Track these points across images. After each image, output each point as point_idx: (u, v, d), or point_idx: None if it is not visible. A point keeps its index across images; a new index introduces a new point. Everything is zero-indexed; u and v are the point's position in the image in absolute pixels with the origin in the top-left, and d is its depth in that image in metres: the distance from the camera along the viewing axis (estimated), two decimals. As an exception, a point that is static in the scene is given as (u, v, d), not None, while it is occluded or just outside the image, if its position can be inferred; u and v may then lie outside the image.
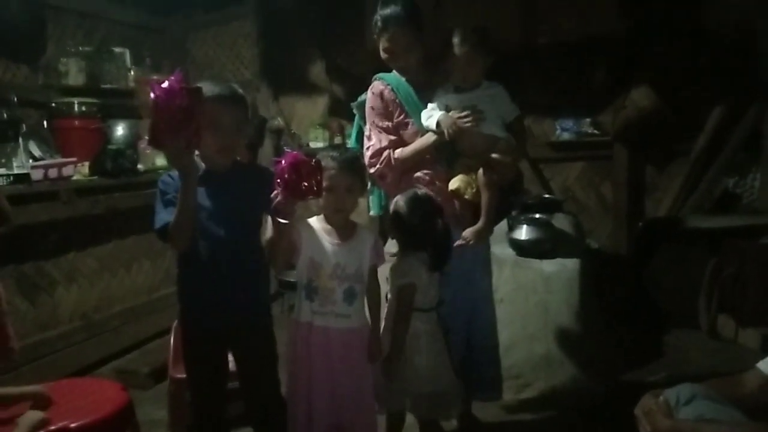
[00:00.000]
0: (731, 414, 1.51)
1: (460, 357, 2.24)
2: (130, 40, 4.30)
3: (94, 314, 3.36)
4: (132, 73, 4.09)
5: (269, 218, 1.90)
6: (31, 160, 3.15)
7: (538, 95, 4.28)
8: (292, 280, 1.99)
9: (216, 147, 1.84)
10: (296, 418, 1.97)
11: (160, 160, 3.69)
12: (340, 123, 4.71)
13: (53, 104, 3.57)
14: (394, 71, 2.38)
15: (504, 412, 2.76)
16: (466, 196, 2.21)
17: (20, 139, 3.15)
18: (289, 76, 4.84)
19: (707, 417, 1.49)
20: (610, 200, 4.47)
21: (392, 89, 2.34)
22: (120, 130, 3.72)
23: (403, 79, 2.36)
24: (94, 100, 3.68)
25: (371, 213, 2.63)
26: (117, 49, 4.08)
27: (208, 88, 1.74)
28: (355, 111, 2.58)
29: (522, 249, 3.26)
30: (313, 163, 1.76)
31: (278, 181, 1.73)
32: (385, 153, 2.31)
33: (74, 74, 3.71)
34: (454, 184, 2.23)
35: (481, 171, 2.22)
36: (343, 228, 1.96)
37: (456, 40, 2.21)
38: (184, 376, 2.31)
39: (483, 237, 2.30)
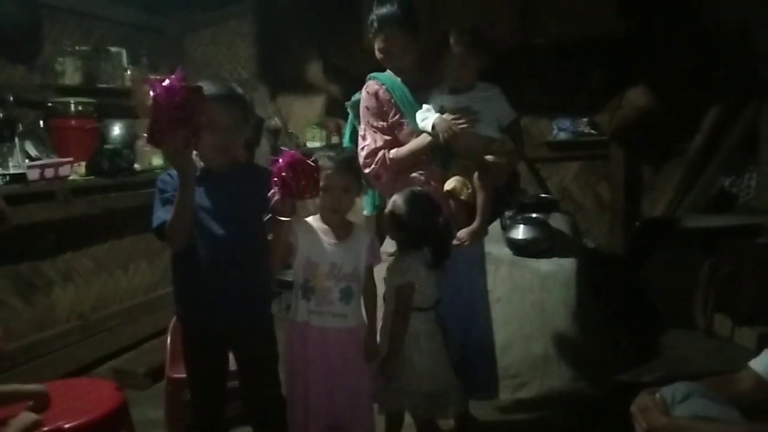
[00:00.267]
0: (726, 412, 1.51)
1: (457, 357, 2.24)
2: (127, 39, 4.29)
3: (91, 314, 3.35)
4: (129, 72, 4.07)
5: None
6: (27, 160, 3.13)
7: (535, 95, 4.28)
8: (289, 279, 1.99)
9: (213, 146, 1.84)
10: (294, 418, 1.97)
11: (157, 160, 3.68)
12: (337, 123, 4.72)
13: (50, 104, 3.55)
14: (388, 71, 2.38)
15: (501, 412, 2.77)
16: (462, 197, 2.21)
17: (16, 139, 3.13)
18: (287, 75, 4.84)
19: (702, 415, 1.50)
20: (606, 200, 4.48)
21: (387, 89, 2.33)
22: (117, 129, 3.71)
23: (398, 79, 2.35)
24: (91, 100, 3.67)
25: (365, 213, 2.63)
26: (114, 49, 4.06)
27: (206, 87, 1.74)
28: (349, 110, 2.57)
29: (519, 248, 3.27)
30: (310, 163, 1.77)
31: (275, 180, 1.74)
32: (380, 153, 2.31)
33: (71, 74, 3.70)
34: (450, 184, 2.23)
35: (476, 173, 2.23)
36: (340, 228, 1.96)
37: (450, 40, 2.21)
38: (181, 375, 2.31)
39: (478, 237, 2.30)
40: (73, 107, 3.56)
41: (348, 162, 1.96)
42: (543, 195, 4.25)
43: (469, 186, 2.23)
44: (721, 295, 3.54)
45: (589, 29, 3.75)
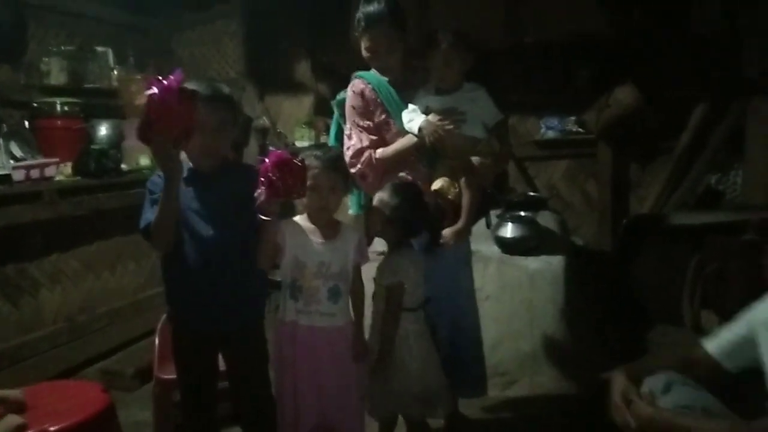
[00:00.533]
0: (708, 400, 1.52)
1: (445, 355, 2.25)
2: (114, 39, 4.26)
3: (79, 316, 3.33)
4: (115, 72, 4.05)
5: None
6: (12, 161, 3.11)
7: (523, 94, 4.31)
8: (278, 279, 1.99)
9: (200, 147, 1.84)
10: (283, 418, 1.97)
11: (144, 160, 3.66)
12: (326, 122, 4.70)
13: (35, 104, 3.53)
14: (374, 70, 2.38)
15: (490, 410, 2.78)
16: (449, 197, 2.21)
17: (1, 140, 3.11)
18: (275, 75, 4.83)
19: (685, 404, 1.50)
20: (594, 198, 4.51)
21: (373, 88, 2.33)
22: (103, 130, 3.68)
23: (384, 78, 2.35)
24: (77, 100, 3.64)
25: (350, 212, 2.62)
26: (100, 49, 4.04)
27: (192, 87, 1.74)
28: (334, 109, 2.56)
29: (507, 246, 3.28)
30: (297, 163, 1.77)
31: (262, 179, 1.74)
32: (366, 153, 2.30)
33: (56, 74, 3.67)
34: (437, 184, 2.23)
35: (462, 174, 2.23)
36: (327, 227, 1.95)
37: (435, 40, 2.21)
38: (170, 376, 2.31)
39: (462, 237, 2.31)
40: (58, 107, 3.54)
41: (335, 161, 1.95)
42: (531, 193, 4.27)
43: (456, 186, 2.23)
44: (708, 292, 3.56)
45: (576, 28, 3.76)
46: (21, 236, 2.99)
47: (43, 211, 3.00)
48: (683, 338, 3.35)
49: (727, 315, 3.45)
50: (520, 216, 3.41)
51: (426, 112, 2.22)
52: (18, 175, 2.94)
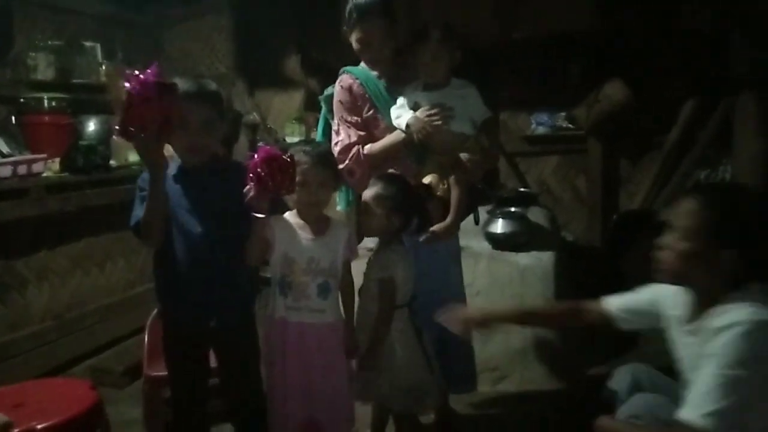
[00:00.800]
0: (669, 408, 1.58)
1: (434, 352, 2.25)
2: (102, 33, 4.22)
3: (67, 313, 3.31)
4: (103, 67, 4.02)
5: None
6: (-1, 157, 3.08)
7: (514, 89, 4.31)
8: (267, 275, 1.99)
9: (186, 145, 1.84)
10: (273, 414, 1.97)
11: (133, 156, 3.63)
12: (316, 117, 4.59)
13: (22, 99, 3.49)
14: (362, 64, 2.37)
15: (481, 405, 2.79)
16: (438, 193, 2.21)
17: (-12, 136, 3.09)
18: (265, 70, 4.80)
19: (636, 413, 1.65)
20: (584, 193, 4.53)
21: (361, 83, 2.31)
22: (91, 125, 3.66)
23: (373, 73, 2.34)
24: (65, 95, 3.61)
25: (338, 208, 2.61)
26: (88, 43, 4.01)
27: (176, 83, 1.73)
28: (322, 104, 2.55)
29: (497, 242, 3.29)
30: (286, 158, 1.76)
31: (251, 175, 1.73)
32: (354, 149, 2.29)
33: (43, 69, 3.63)
34: (426, 180, 2.23)
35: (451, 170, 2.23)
36: (317, 223, 1.95)
37: (423, 35, 2.20)
38: (160, 374, 2.30)
39: (450, 233, 2.30)
40: (46, 103, 3.51)
41: (324, 156, 1.95)
42: (521, 189, 4.28)
43: (445, 182, 2.23)
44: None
45: (566, 24, 3.77)
46: (8, 233, 2.96)
47: (30, 208, 2.98)
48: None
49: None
50: (511, 212, 3.42)
51: (414, 108, 2.21)
52: (5, 172, 2.91)
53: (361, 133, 2.31)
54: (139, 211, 1.82)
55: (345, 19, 2.29)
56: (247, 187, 1.75)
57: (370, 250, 2.21)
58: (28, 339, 3.05)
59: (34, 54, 3.62)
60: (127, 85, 1.57)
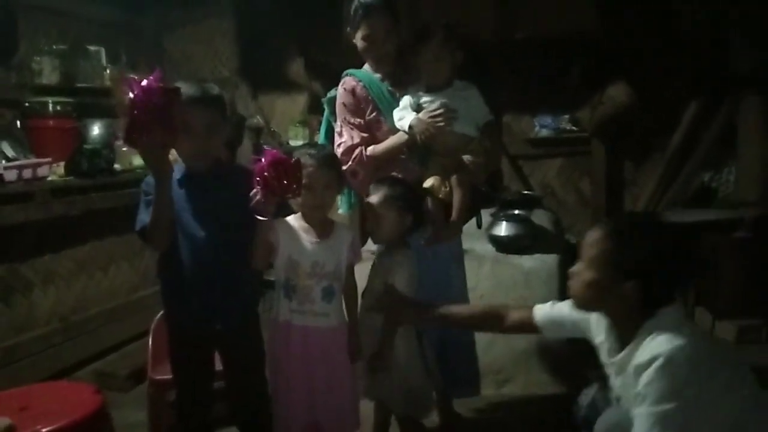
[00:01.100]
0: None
1: (435, 355, 2.25)
2: (106, 38, 4.24)
3: (72, 316, 3.31)
4: (108, 71, 4.03)
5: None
6: (4, 161, 3.09)
7: (516, 92, 4.31)
8: (272, 279, 1.99)
9: (190, 150, 1.84)
10: (277, 417, 1.97)
11: (137, 160, 3.64)
12: (319, 120, 4.63)
13: (27, 104, 3.50)
14: (365, 67, 2.37)
15: (485, 408, 2.78)
16: (440, 195, 2.21)
17: (-7, 140, 3.10)
18: (268, 73, 4.81)
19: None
20: (588, 196, 4.52)
21: (364, 86, 2.32)
22: (96, 129, 3.67)
23: (375, 75, 2.35)
24: (69, 99, 3.62)
25: (340, 211, 2.61)
26: (92, 47, 4.02)
27: (182, 90, 1.73)
28: (324, 106, 2.55)
29: (502, 245, 3.28)
30: (292, 162, 1.77)
31: (257, 179, 1.73)
32: (357, 150, 2.29)
33: (48, 73, 3.65)
34: (428, 183, 2.22)
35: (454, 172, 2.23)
36: (321, 226, 1.95)
37: (425, 36, 2.21)
38: (164, 377, 2.30)
39: (452, 235, 2.30)
40: (51, 107, 3.51)
41: (329, 159, 1.96)
42: (525, 192, 4.28)
43: (447, 184, 2.23)
44: (701, 289, 3.58)
45: (568, 25, 3.77)
46: (13, 237, 2.97)
47: (35, 212, 2.98)
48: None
49: (719, 312, 3.49)
50: (515, 214, 3.41)
51: (417, 109, 2.22)
52: (10, 176, 2.92)
53: (364, 134, 2.32)
54: (144, 216, 1.82)
55: (349, 19, 2.30)
56: (254, 190, 1.75)
57: (373, 253, 2.21)
58: (33, 342, 3.06)
59: (38, 58, 3.64)
60: (130, 92, 1.57)
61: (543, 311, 1.92)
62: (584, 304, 1.69)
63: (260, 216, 1.79)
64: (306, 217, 1.95)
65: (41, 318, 3.16)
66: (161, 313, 2.22)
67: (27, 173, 3.00)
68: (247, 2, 4.68)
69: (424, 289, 2.15)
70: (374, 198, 2.06)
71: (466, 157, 2.26)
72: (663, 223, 2.06)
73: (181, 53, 4.92)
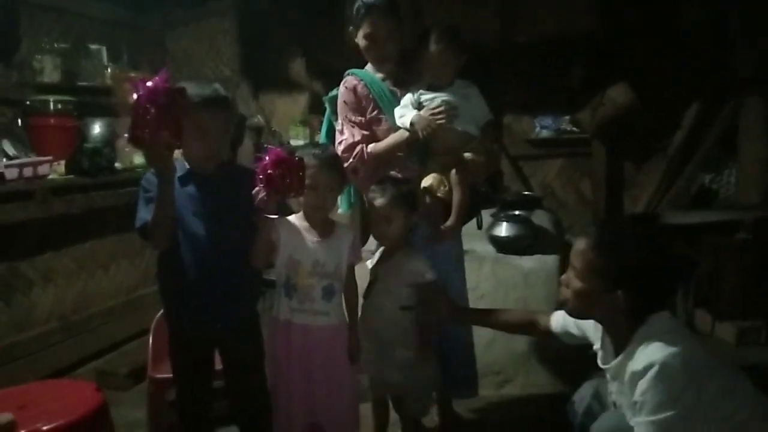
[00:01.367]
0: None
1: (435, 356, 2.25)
2: (107, 36, 4.23)
3: (72, 315, 3.31)
4: (109, 70, 4.03)
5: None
6: (5, 159, 3.09)
7: (517, 93, 4.31)
8: (272, 278, 1.99)
9: (203, 153, 1.85)
10: (277, 416, 1.97)
11: (138, 159, 3.64)
12: (320, 120, 4.64)
13: (28, 102, 3.50)
14: (367, 67, 2.38)
15: (485, 408, 2.78)
16: (439, 194, 2.21)
17: (-6, 138, 3.10)
18: (269, 73, 4.81)
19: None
20: (588, 197, 4.52)
21: (366, 84, 2.33)
22: (97, 128, 3.66)
23: (377, 75, 2.35)
24: (70, 98, 3.61)
25: (340, 211, 2.61)
26: (93, 46, 4.01)
27: (194, 91, 1.74)
28: (326, 105, 2.56)
29: (502, 245, 3.28)
30: (296, 161, 1.77)
31: (260, 178, 1.74)
32: (358, 148, 2.30)
33: (49, 71, 3.64)
34: (427, 181, 2.23)
35: (453, 169, 2.23)
36: (322, 225, 1.95)
37: (429, 39, 2.21)
38: (164, 376, 2.31)
39: (451, 234, 2.30)
40: (52, 105, 3.50)
41: (333, 160, 1.97)
42: (526, 192, 4.28)
43: (446, 183, 2.23)
44: (701, 291, 3.58)
45: (568, 26, 3.77)
46: (13, 235, 2.97)
47: (36, 210, 2.98)
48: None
49: (720, 313, 3.49)
50: (515, 215, 3.41)
51: (418, 107, 2.22)
52: (11, 174, 2.92)
53: (365, 132, 2.32)
54: (144, 213, 1.82)
55: (351, 18, 2.30)
56: (256, 189, 1.75)
57: (374, 253, 2.22)
58: (33, 341, 3.06)
59: (40, 57, 3.63)
60: (136, 92, 1.57)
61: (557, 319, 1.94)
62: (575, 313, 1.71)
63: (262, 214, 1.79)
64: (307, 217, 1.95)
65: (41, 316, 3.16)
66: (162, 311, 2.22)
67: (28, 171, 3.00)
68: (249, 2, 4.68)
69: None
70: (380, 201, 2.06)
71: (467, 155, 2.26)
72: (649, 230, 2.08)
73: (182, 52, 4.90)
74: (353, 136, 2.32)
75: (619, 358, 1.59)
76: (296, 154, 1.84)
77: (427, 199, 2.24)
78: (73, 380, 2.82)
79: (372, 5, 2.23)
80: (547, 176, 4.61)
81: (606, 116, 4.16)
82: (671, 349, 1.47)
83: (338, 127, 2.40)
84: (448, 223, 2.25)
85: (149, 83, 1.57)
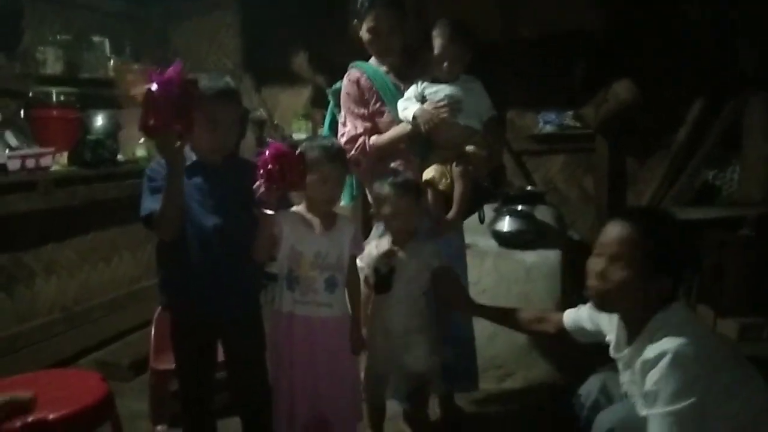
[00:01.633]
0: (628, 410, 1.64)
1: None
2: (110, 28, 4.23)
3: (74, 306, 3.32)
4: (112, 62, 4.03)
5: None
6: (7, 150, 3.09)
7: (521, 88, 4.30)
8: (274, 271, 1.99)
9: (212, 145, 1.86)
10: (279, 408, 1.97)
11: (140, 151, 3.65)
12: (323, 114, 4.63)
13: (31, 93, 3.50)
14: (371, 60, 2.38)
15: (486, 402, 2.79)
16: (440, 187, 2.21)
17: (-4, 129, 3.10)
18: (272, 66, 4.80)
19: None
20: (591, 192, 4.51)
21: (368, 77, 2.33)
22: (99, 120, 3.66)
23: (381, 69, 2.35)
24: (73, 90, 3.62)
25: (342, 203, 2.61)
26: (96, 38, 4.02)
27: (206, 83, 1.76)
28: (330, 97, 2.56)
29: (504, 240, 3.28)
30: (296, 155, 1.77)
31: (261, 171, 1.73)
32: (360, 139, 2.31)
33: (52, 63, 3.64)
34: (429, 174, 2.23)
35: (455, 162, 2.22)
36: (325, 218, 1.95)
37: (435, 33, 2.21)
38: (166, 367, 2.31)
39: (451, 227, 2.30)
40: (54, 97, 3.51)
41: (343, 154, 1.97)
42: (529, 187, 4.27)
43: (448, 176, 2.22)
44: (703, 287, 3.58)
45: (572, 22, 3.76)
46: (16, 226, 2.98)
47: (38, 201, 2.99)
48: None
49: (722, 309, 3.49)
50: (518, 210, 3.41)
51: (421, 100, 2.22)
52: (13, 165, 2.92)
53: (368, 124, 2.33)
54: (149, 202, 1.83)
55: (355, 11, 2.30)
56: (257, 183, 1.75)
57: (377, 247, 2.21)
58: (35, 332, 3.07)
59: (42, 48, 3.63)
60: (149, 84, 1.58)
61: (570, 317, 1.93)
62: (608, 305, 1.65)
63: (263, 208, 1.79)
64: (310, 209, 1.95)
65: (43, 307, 3.17)
66: (161, 303, 2.22)
67: (30, 163, 3.00)
68: (252, -5, 4.67)
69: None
70: (402, 202, 2.06)
71: (470, 148, 2.26)
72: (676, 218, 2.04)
73: (185, 45, 4.89)
74: (356, 127, 2.32)
75: (632, 346, 1.58)
76: (299, 148, 1.84)
77: (429, 192, 2.24)
78: (79, 370, 2.82)
79: None
80: (549, 171, 4.60)
81: (610, 112, 4.15)
82: (684, 338, 1.46)
83: (341, 120, 2.40)
84: (449, 215, 2.25)
85: (164, 75, 1.59)
